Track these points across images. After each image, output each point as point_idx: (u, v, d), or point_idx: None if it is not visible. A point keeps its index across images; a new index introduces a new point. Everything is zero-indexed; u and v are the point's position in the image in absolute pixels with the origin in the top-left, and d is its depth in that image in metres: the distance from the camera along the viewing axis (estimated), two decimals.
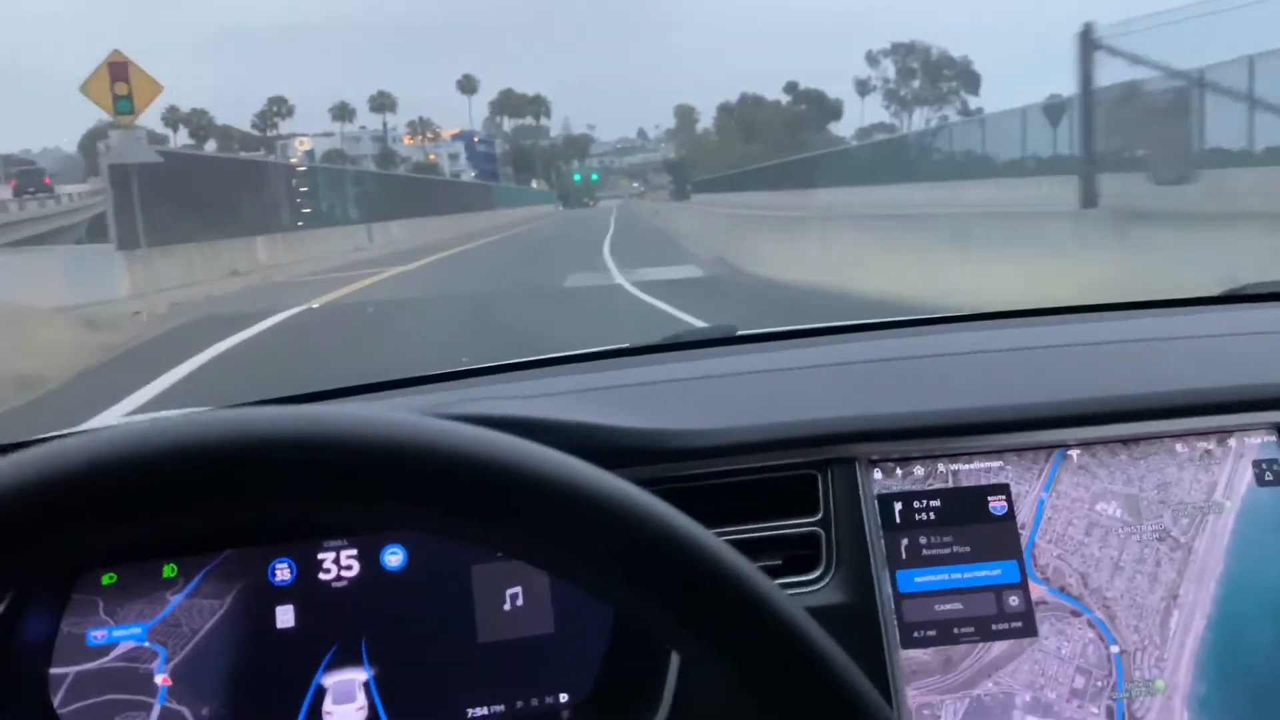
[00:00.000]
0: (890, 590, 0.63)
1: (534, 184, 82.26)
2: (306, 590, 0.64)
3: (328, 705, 0.62)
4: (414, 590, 0.64)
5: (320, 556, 0.64)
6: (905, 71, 67.74)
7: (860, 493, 0.64)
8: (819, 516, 0.64)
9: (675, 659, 0.60)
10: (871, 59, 68.99)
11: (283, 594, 0.64)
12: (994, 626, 0.63)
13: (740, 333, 1.00)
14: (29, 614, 0.58)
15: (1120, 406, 0.66)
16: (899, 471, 0.65)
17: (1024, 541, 0.65)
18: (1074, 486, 0.67)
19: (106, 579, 0.60)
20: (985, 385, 0.71)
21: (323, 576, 0.64)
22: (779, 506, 0.64)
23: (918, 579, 0.63)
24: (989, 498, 0.64)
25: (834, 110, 75.07)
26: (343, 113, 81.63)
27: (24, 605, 0.58)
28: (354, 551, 0.65)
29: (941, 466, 0.65)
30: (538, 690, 0.65)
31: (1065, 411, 0.65)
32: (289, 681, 0.63)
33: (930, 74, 64.95)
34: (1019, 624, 0.63)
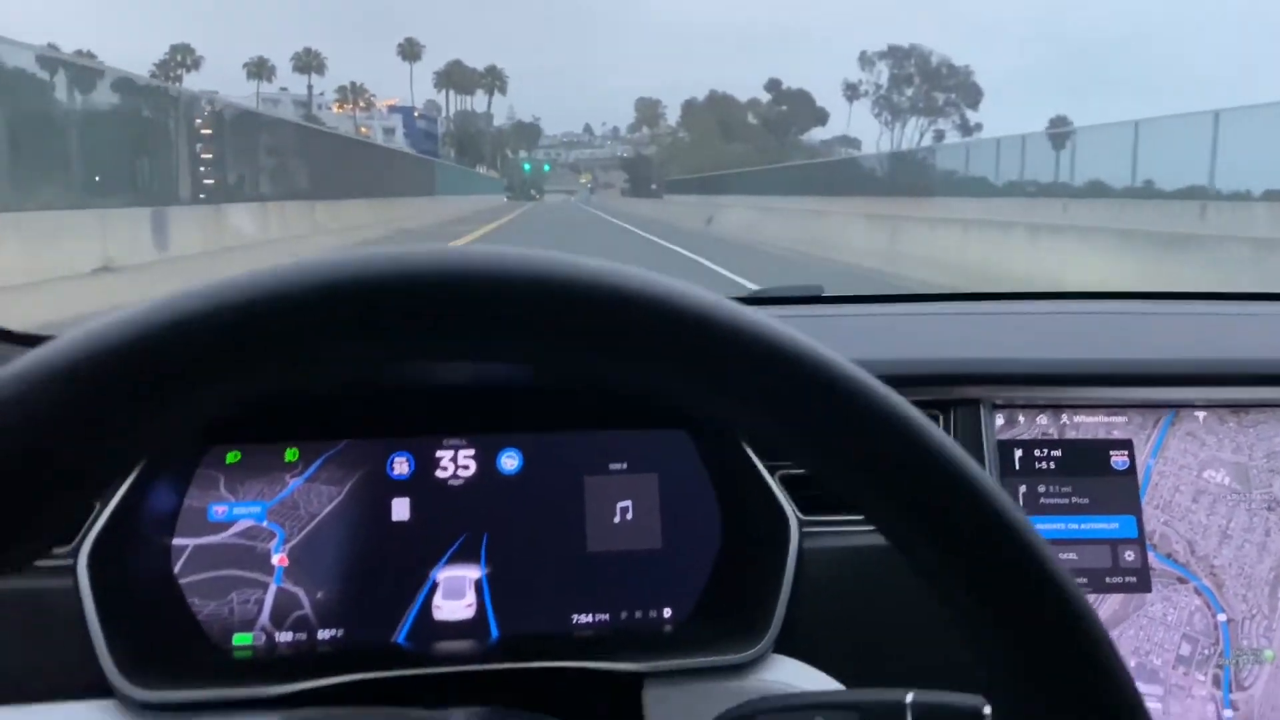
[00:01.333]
0: None
1: (480, 169, 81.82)
2: (423, 485, 0.71)
3: (437, 600, 0.70)
4: (528, 495, 0.72)
5: (438, 454, 0.72)
6: (899, 78, 69.16)
7: (983, 436, 0.71)
8: None
9: (787, 583, 0.65)
10: (865, 60, 70.46)
11: (400, 487, 0.71)
12: (1108, 579, 0.70)
13: (828, 294, 1.07)
14: (157, 485, 0.64)
15: (1241, 370, 0.74)
16: (1021, 418, 0.72)
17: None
18: (1181, 453, 0.75)
19: (231, 457, 0.67)
20: (1109, 340, 0.80)
21: (439, 474, 0.71)
22: None
23: (1036, 526, 0.69)
24: (1111, 451, 0.72)
25: (818, 115, 76.58)
26: (260, 69, 78.79)
27: (153, 476, 0.64)
28: (471, 452, 0.72)
29: (1064, 417, 0.72)
30: (642, 603, 0.72)
31: (1188, 370, 0.74)
32: (401, 573, 0.70)
33: (928, 81, 66.59)
34: (1133, 579, 0.70)
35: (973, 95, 65.38)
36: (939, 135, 64.90)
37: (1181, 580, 0.72)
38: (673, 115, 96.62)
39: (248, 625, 0.68)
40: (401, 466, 0.71)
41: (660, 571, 0.72)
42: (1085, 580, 0.70)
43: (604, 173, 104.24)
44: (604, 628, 0.71)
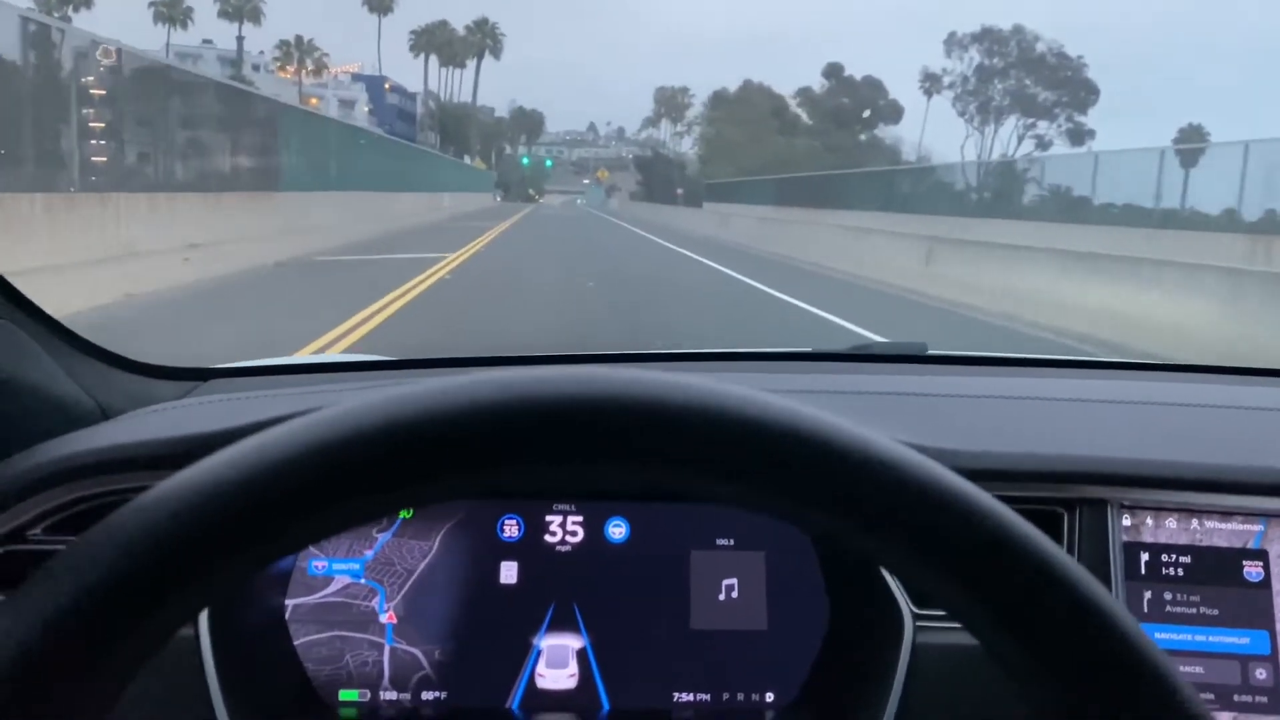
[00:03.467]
0: None
1: (466, 160, 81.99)
2: (532, 550, 0.89)
3: (541, 667, 0.87)
4: (633, 566, 0.90)
5: (548, 519, 0.90)
6: (988, 70, 69.02)
7: (1109, 538, 0.86)
8: None
9: (900, 672, 0.80)
10: (954, 45, 70.79)
11: (509, 550, 0.89)
12: (1236, 698, 0.85)
13: (931, 352, 1.26)
14: None
15: None
16: (1150, 521, 0.87)
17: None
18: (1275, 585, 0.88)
19: None
20: (1247, 441, 0.95)
21: (548, 539, 0.89)
22: None
23: (1158, 635, 0.85)
24: (1244, 561, 0.87)
25: (891, 110, 76.78)
26: (173, 11, 66.21)
27: None
28: (580, 518, 0.90)
29: (1195, 522, 0.87)
30: (745, 685, 0.89)
31: None
32: (508, 637, 0.88)
33: (1030, 73, 66.73)
34: (1264, 699, 0.85)
35: (1083, 94, 65.35)
36: (1042, 143, 64.70)
37: None
38: (696, 110, 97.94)
39: (360, 682, 0.87)
40: (512, 529, 0.89)
41: (764, 653, 0.89)
42: (1211, 696, 0.84)
43: (610, 173, 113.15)
44: (705, 707, 0.88)
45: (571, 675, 0.87)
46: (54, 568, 0.34)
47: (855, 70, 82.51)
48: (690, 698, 0.88)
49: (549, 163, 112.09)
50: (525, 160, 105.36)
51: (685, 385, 0.36)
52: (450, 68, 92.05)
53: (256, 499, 0.34)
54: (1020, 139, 66.47)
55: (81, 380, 0.94)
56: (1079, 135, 63.43)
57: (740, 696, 0.89)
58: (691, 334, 8.47)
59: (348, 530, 0.35)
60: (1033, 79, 65.61)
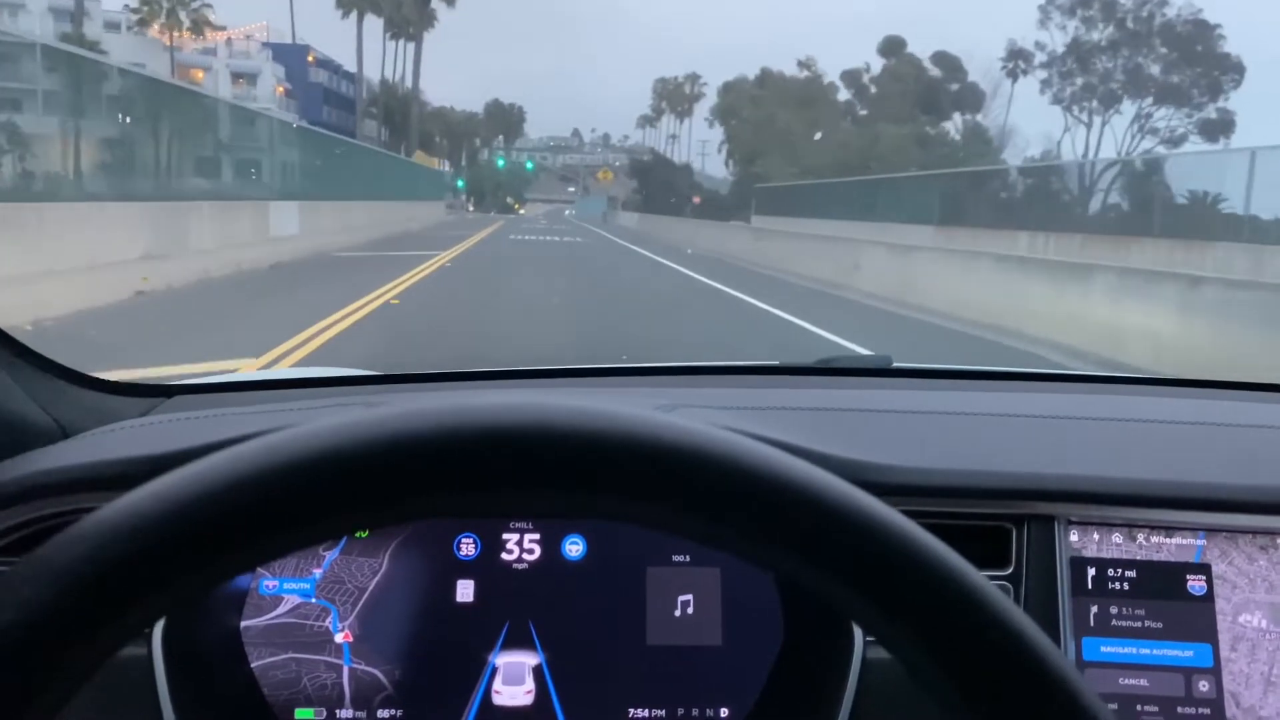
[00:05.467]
0: (1074, 657, 1.13)
1: (426, 158, 79.79)
2: (489, 567, 1.19)
3: (497, 684, 1.16)
4: (590, 583, 1.19)
5: (505, 536, 1.19)
6: (1086, 47, 67.77)
7: (1056, 553, 1.16)
8: (1009, 571, 1.16)
9: (851, 686, 1.10)
10: (1051, 10, 70.62)
11: (466, 568, 1.18)
12: (1179, 710, 1.14)
13: (896, 365, 1.67)
14: None
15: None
16: (1096, 536, 1.17)
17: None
18: (1216, 598, 1.16)
19: None
20: (1193, 456, 1.27)
21: (505, 556, 1.19)
22: (968, 557, 1.17)
23: (1104, 648, 1.15)
24: (1188, 576, 1.17)
25: (971, 95, 76.56)
26: None
27: None
28: (537, 536, 1.20)
29: (1141, 537, 1.18)
30: (700, 700, 1.19)
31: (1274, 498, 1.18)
32: (465, 655, 1.16)
33: (1152, 50, 66.34)
34: (1206, 710, 1.14)
35: (1220, 75, 64.71)
36: (1172, 138, 64.18)
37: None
38: (706, 105, 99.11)
39: (318, 702, 1.15)
40: (468, 548, 1.18)
41: (719, 669, 1.19)
42: (1155, 709, 1.14)
43: (596, 182, 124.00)
44: None
45: (528, 692, 1.16)
46: None
47: (920, 47, 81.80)
48: (646, 713, 1.18)
49: (530, 165, 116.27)
50: (501, 162, 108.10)
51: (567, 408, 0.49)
52: (400, 40, 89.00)
53: (188, 530, 0.45)
54: (1140, 131, 65.41)
55: (38, 397, 1.22)
56: (1216, 128, 62.83)
57: (696, 711, 1.18)
58: None
59: (277, 558, 0.49)
60: (1154, 56, 65.01)
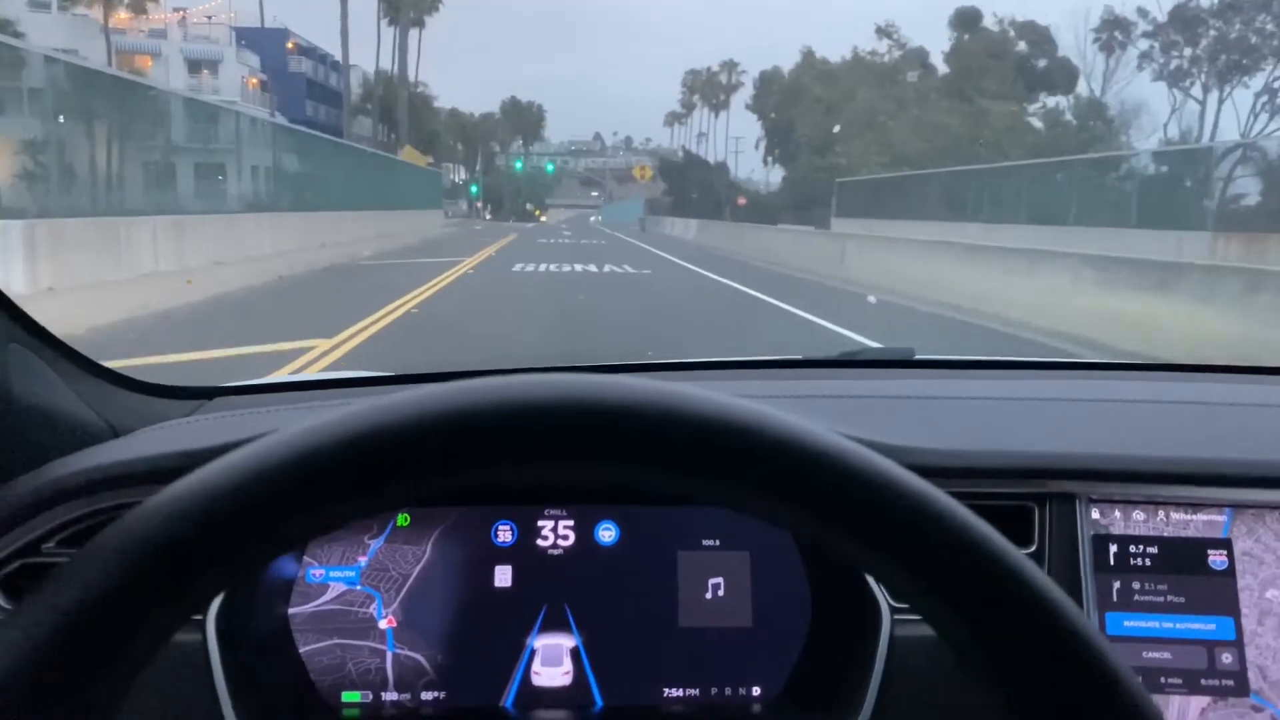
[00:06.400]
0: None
1: (421, 156, 75.85)
2: (525, 553, 1.43)
3: (536, 666, 1.41)
4: (623, 567, 1.44)
5: (540, 523, 1.44)
6: (1193, 14, 65.79)
7: (1078, 530, 1.38)
8: (1032, 549, 1.38)
9: (879, 665, 1.32)
10: None
11: (503, 554, 1.43)
12: (1203, 681, 1.36)
13: (919, 357, 1.95)
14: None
15: None
16: (1118, 513, 1.40)
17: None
18: (1241, 574, 1.38)
19: None
20: (1212, 433, 1.50)
21: (540, 542, 1.44)
22: None
23: (1127, 623, 1.37)
24: (1209, 551, 1.38)
25: (1060, 73, 74.91)
26: None
27: None
28: (571, 522, 1.45)
29: (1162, 514, 1.40)
30: (732, 680, 1.43)
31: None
32: (504, 639, 1.41)
33: (1269, 12, 64.71)
34: (1230, 682, 1.36)
35: None
36: None
37: (1256, 709, 1.34)
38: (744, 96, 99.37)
39: (363, 685, 1.39)
40: (505, 534, 1.43)
41: (750, 649, 1.43)
42: (1179, 680, 1.35)
43: (619, 185, 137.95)
44: (694, 702, 1.42)
45: (566, 673, 1.40)
46: (57, 577, 0.55)
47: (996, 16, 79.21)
48: (680, 693, 1.41)
49: (550, 167, 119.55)
50: (519, 165, 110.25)
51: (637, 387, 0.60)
52: (398, 26, 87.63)
53: (241, 506, 0.55)
54: (1270, 107, 63.16)
55: (91, 401, 1.46)
56: None
57: (728, 691, 1.42)
58: None
59: (328, 533, 0.63)
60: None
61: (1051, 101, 72.89)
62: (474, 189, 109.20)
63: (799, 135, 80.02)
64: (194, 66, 73.16)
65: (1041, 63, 73.62)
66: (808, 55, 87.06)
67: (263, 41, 78.68)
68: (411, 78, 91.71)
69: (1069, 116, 68.29)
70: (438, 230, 54.58)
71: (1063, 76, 73.13)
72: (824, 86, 78.99)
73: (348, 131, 72.44)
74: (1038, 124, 66.26)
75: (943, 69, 78.15)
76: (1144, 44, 69.02)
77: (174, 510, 0.55)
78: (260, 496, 0.56)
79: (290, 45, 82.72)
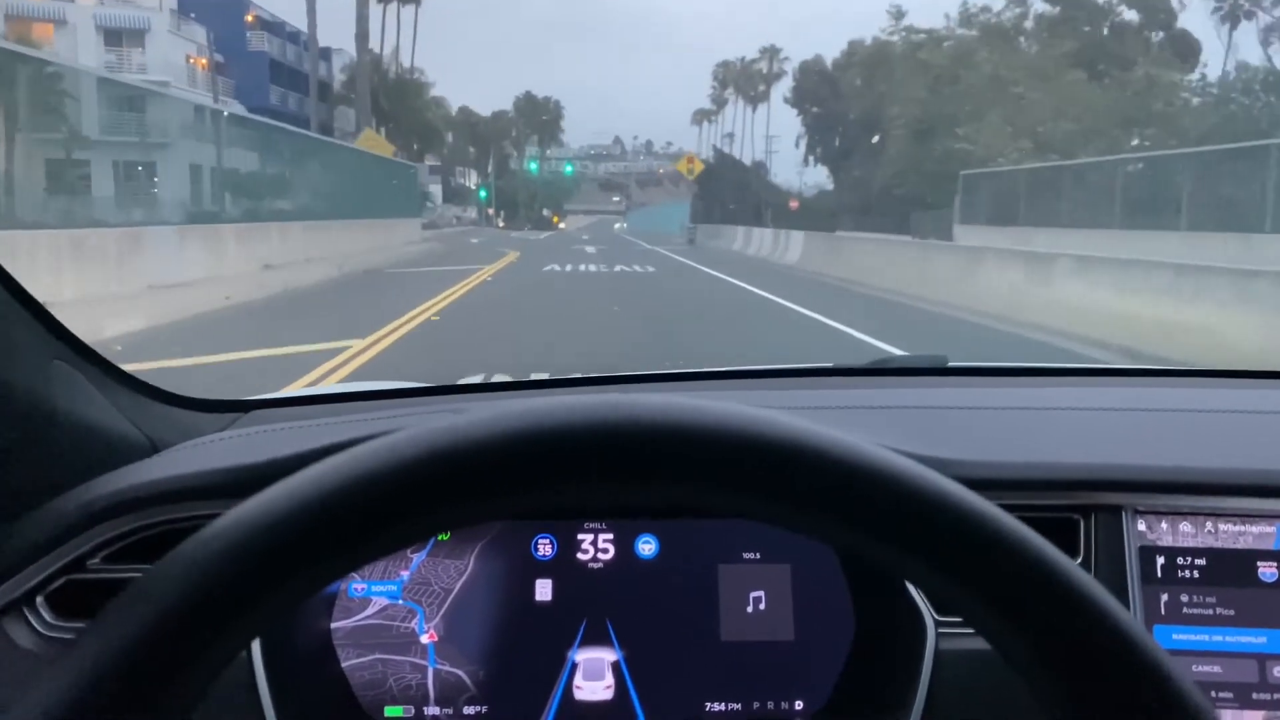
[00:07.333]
0: None
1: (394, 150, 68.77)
2: (565, 567, 1.64)
3: (578, 680, 1.61)
4: (663, 581, 1.64)
5: (580, 537, 1.65)
6: None
7: (1124, 542, 1.56)
8: (1078, 562, 1.55)
9: (925, 678, 1.51)
10: None
11: (544, 568, 1.64)
12: (1255, 695, 1.54)
13: (951, 364, 2.20)
14: None
15: None
16: (1164, 525, 1.58)
17: None
18: None
19: None
20: (1259, 444, 1.70)
21: (580, 556, 1.64)
22: None
23: (1175, 636, 1.55)
24: (1259, 563, 1.56)
25: (1181, 44, 72.03)
26: None
27: None
28: (610, 536, 1.65)
29: (1210, 525, 1.58)
30: (775, 694, 1.63)
31: None
32: (545, 653, 1.61)
33: None
34: None
35: None
36: None
37: None
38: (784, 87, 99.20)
39: (404, 700, 1.58)
40: (545, 548, 1.63)
41: (792, 663, 1.62)
42: (1230, 695, 1.53)
43: (640, 190, 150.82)
44: (737, 716, 1.61)
45: (608, 687, 1.58)
46: (129, 597, 0.62)
47: None
48: (722, 707, 1.60)
49: (569, 169, 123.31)
50: (534, 166, 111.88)
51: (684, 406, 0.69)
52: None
53: (310, 526, 0.63)
54: None
55: (130, 415, 1.65)
56: None
57: (771, 705, 1.60)
58: None
59: (395, 551, 0.68)
60: None
61: (1195, 76, 65.38)
62: (482, 193, 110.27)
63: (891, 116, 70.14)
64: (112, 38, 67.67)
65: (1156, 34, 70.49)
66: (852, 45, 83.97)
67: (215, 13, 72.60)
68: (407, 63, 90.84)
69: (1237, 93, 59.79)
70: (413, 247, 44.51)
71: (1185, 47, 70.28)
72: (930, 50, 70.31)
73: (314, 121, 68.80)
74: (1195, 100, 58.79)
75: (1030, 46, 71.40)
76: (1266, 17, 67.61)
77: (242, 531, 0.63)
78: (324, 518, 0.64)
79: (250, 18, 78.61)
